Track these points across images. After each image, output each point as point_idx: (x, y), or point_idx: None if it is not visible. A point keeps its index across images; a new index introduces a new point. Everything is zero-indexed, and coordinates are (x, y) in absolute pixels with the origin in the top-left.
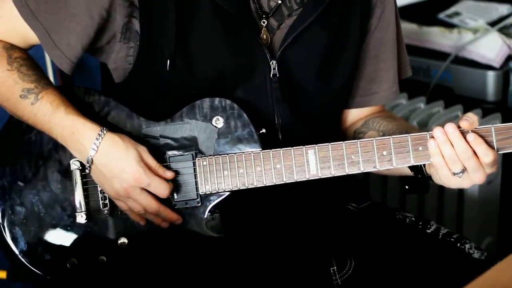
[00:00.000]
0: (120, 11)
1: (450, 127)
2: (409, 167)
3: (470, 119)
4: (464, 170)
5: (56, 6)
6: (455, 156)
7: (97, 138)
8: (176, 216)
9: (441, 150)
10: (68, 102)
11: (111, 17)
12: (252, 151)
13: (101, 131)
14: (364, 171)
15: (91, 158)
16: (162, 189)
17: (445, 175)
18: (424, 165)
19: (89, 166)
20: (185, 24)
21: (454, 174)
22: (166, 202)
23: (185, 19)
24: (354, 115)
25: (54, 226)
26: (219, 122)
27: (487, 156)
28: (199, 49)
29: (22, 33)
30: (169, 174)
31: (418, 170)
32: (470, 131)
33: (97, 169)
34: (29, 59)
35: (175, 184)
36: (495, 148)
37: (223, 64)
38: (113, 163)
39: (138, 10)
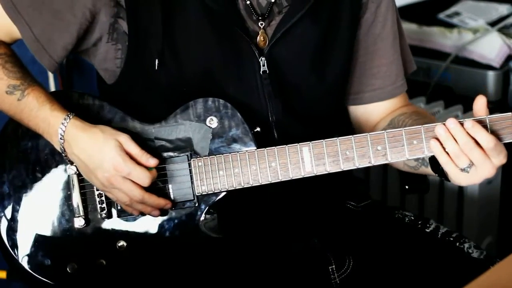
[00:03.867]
0: (105, 10)
1: (452, 122)
2: (432, 169)
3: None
4: (471, 164)
5: (39, 1)
6: (459, 149)
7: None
8: (163, 201)
9: (445, 146)
10: (53, 99)
11: (96, 18)
12: (247, 150)
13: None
14: (359, 167)
15: (75, 153)
16: (142, 178)
17: (452, 173)
18: None
19: (68, 159)
20: (173, 22)
21: (462, 170)
22: None
23: (172, 18)
24: (374, 114)
25: (53, 231)
26: (213, 122)
27: (488, 141)
28: (187, 47)
29: (6, 26)
30: (152, 162)
31: (440, 171)
32: (467, 120)
33: (82, 164)
34: (13, 56)
35: (171, 186)
36: None
37: (212, 61)
38: (95, 155)
39: (124, 11)
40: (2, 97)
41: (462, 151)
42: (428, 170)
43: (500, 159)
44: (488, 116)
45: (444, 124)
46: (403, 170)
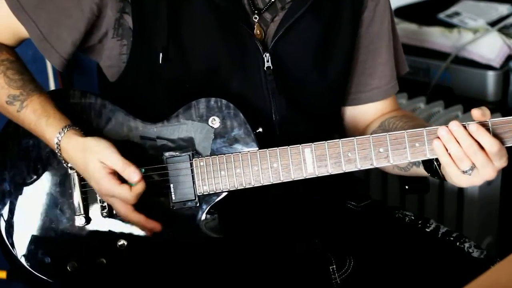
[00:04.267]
0: (112, 5)
1: (455, 124)
2: (425, 168)
3: (482, 110)
4: (473, 167)
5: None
6: (462, 152)
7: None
8: (152, 224)
9: (447, 148)
10: (51, 110)
11: (103, 13)
12: (249, 151)
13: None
14: (361, 169)
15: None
16: (125, 197)
17: (454, 174)
18: (439, 166)
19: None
20: (178, 18)
21: (464, 172)
22: (164, 203)
23: (177, 13)
24: (367, 115)
25: (54, 230)
26: (215, 122)
27: (492, 145)
28: (192, 42)
29: (13, 27)
30: (135, 178)
31: (433, 171)
32: (471, 123)
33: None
34: (16, 61)
35: (173, 185)
36: None
37: (216, 56)
38: (84, 173)
39: (130, 5)
40: (3, 106)
41: (465, 153)
42: (419, 170)
43: (501, 162)
44: (491, 119)
45: (447, 126)
46: (392, 173)
